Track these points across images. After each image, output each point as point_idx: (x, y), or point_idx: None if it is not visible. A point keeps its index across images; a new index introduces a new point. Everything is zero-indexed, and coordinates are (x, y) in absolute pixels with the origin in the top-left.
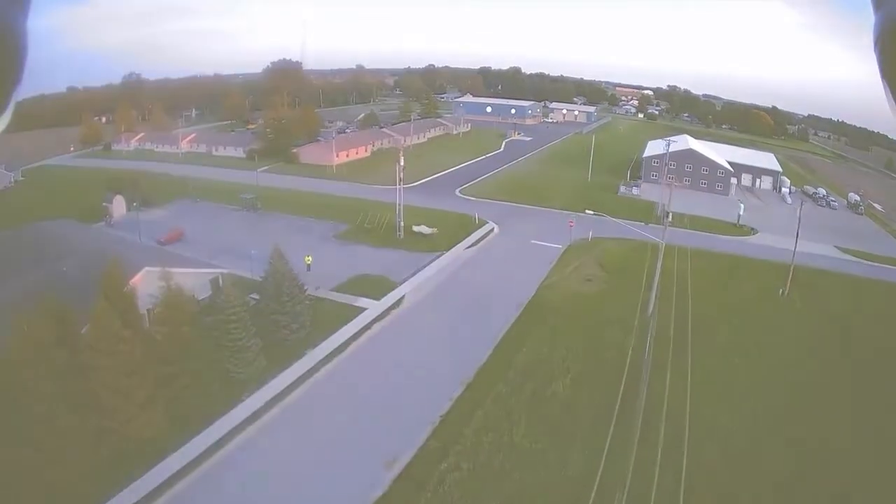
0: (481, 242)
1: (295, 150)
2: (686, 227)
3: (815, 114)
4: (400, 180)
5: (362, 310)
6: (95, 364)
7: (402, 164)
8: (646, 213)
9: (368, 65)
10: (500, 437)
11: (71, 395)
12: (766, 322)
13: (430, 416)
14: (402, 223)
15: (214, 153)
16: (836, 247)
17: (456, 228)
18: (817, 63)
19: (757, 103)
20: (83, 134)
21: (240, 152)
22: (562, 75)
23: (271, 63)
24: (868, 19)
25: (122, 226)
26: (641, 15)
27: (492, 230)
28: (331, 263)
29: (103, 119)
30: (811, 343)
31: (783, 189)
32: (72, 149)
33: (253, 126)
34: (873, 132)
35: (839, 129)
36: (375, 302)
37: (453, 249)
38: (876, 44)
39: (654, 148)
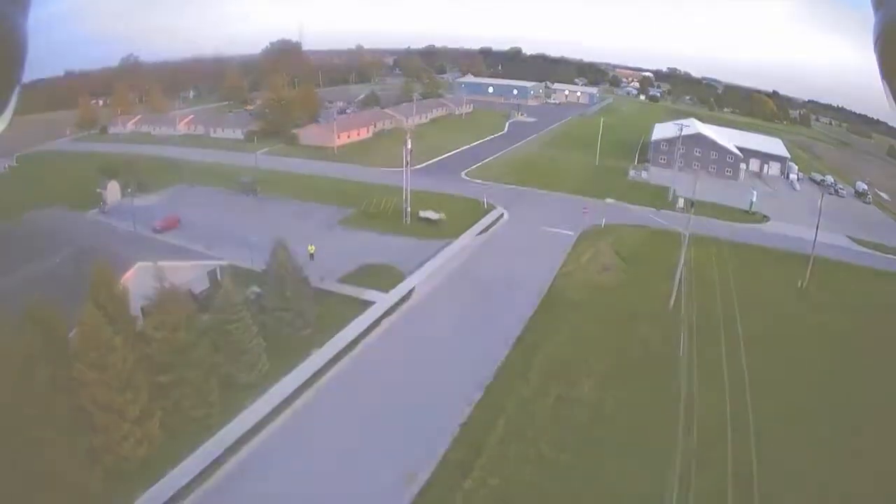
0: (491, 229)
1: (295, 132)
2: (699, 213)
3: (815, 99)
4: (407, 164)
5: (370, 304)
6: (83, 378)
7: (409, 146)
8: (657, 198)
9: (367, 44)
10: (526, 447)
11: (58, 413)
12: (791, 316)
13: (450, 423)
14: (408, 208)
15: (212, 135)
16: (848, 237)
17: (464, 214)
18: (816, 48)
19: (757, 87)
20: (79, 117)
21: (238, 134)
22: (563, 56)
23: (270, 43)
24: (866, 7)
25: (117, 213)
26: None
27: (501, 216)
28: (335, 252)
29: (100, 102)
30: (835, 338)
31: (791, 175)
32: (68, 133)
33: (251, 107)
34: (873, 119)
35: (840, 116)
36: (384, 295)
37: (463, 236)
38: (876, 44)
39: (661, 131)
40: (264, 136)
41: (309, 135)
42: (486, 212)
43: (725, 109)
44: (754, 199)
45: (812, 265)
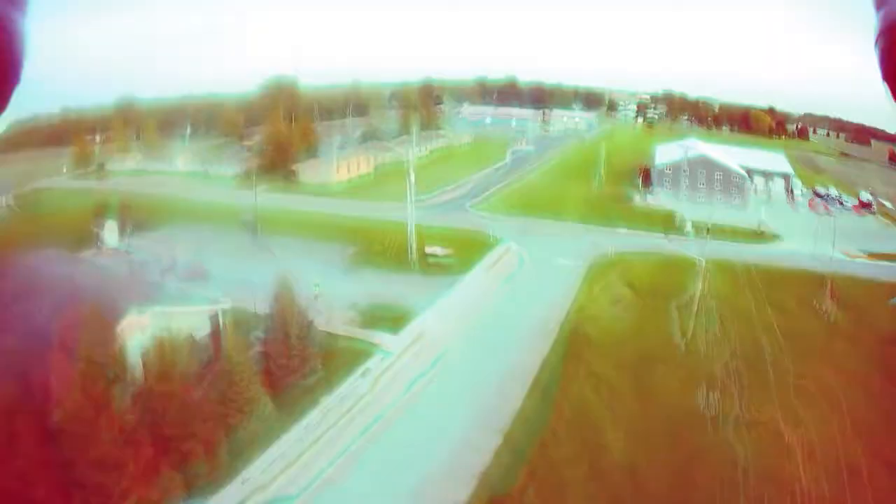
0: (499, 263)
1: (294, 168)
2: (709, 236)
3: (811, 111)
4: (411, 199)
5: (379, 346)
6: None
7: (412, 179)
8: (665, 222)
9: (363, 78)
10: None
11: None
12: (817, 348)
13: (469, 472)
14: (414, 245)
15: (210, 172)
16: (860, 250)
17: (471, 248)
18: (809, 60)
19: (752, 103)
20: (76, 155)
21: (236, 171)
22: (558, 83)
23: (265, 80)
24: (860, 13)
25: (115, 253)
26: (633, 18)
27: (509, 249)
28: (340, 291)
29: (97, 138)
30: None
31: (795, 191)
32: (64, 170)
33: (249, 143)
34: (870, 127)
35: (837, 126)
36: (393, 337)
37: (471, 272)
38: (876, 44)
39: (664, 153)
40: (263, 172)
41: (309, 171)
42: (493, 245)
43: (723, 127)
44: (763, 219)
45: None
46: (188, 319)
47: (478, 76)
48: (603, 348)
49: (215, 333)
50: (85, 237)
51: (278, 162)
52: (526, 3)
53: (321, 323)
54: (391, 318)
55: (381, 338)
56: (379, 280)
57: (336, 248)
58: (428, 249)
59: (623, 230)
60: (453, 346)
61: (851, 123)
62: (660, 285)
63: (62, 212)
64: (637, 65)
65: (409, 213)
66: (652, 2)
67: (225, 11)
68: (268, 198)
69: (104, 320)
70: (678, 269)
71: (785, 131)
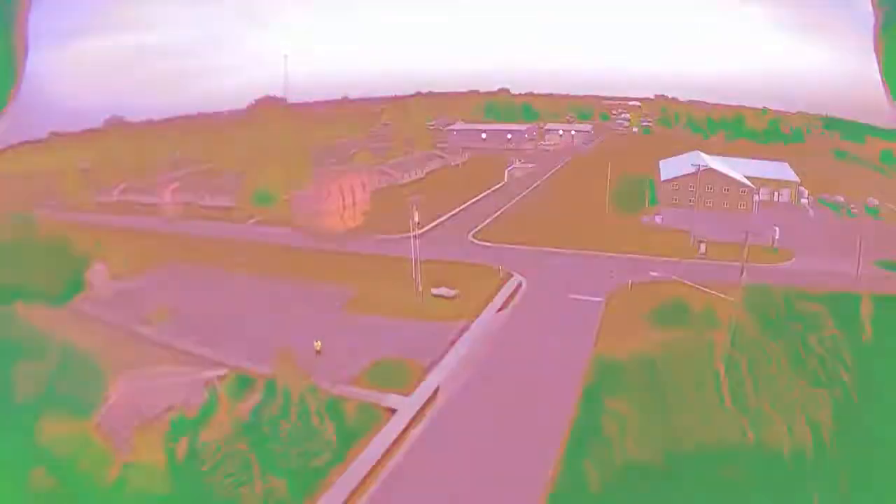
0: (511, 302)
1: (286, 199)
2: (720, 257)
3: (804, 110)
4: (415, 237)
5: (392, 411)
6: None
7: (416, 219)
8: (677, 244)
9: (353, 94)
10: None
11: None
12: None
13: None
14: (420, 287)
15: (200, 202)
16: (875, 263)
17: (480, 285)
18: (797, 58)
19: (745, 104)
20: (63, 185)
21: (227, 201)
22: (551, 93)
23: (255, 100)
24: (844, 11)
25: (104, 301)
26: (621, 21)
27: (520, 285)
28: (343, 344)
29: (86, 165)
30: None
31: (802, 200)
32: (51, 202)
33: (241, 170)
34: (863, 124)
35: (831, 124)
36: (406, 399)
37: (482, 315)
38: (876, 43)
39: (668, 169)
40: (254, 204)
41: (302, 205)
42: (503, 281)
43: (719, 133)
44: (777, 237)
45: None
46: (182, 390)
47: (470, 89)
48: (633, 395)
49: (212, 402)
50: (73, 279)
51: (270, 192)
52: (514, 13)
53: (326, 384)
54: (402, 375)
55: (393, 399)
56: (384, 327)
57: (335, 289)
58: (434, 291)
59: (635, 256)
60: (472, 407)
61: (845, 120)
62: (681, 318)
63: (50, 248)
64: (627, 70)
65: (414, 253)
66: (640, 6)
67: (215, 26)
68: (260, 232)
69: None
70: (699, 300)
71: (781, 133)
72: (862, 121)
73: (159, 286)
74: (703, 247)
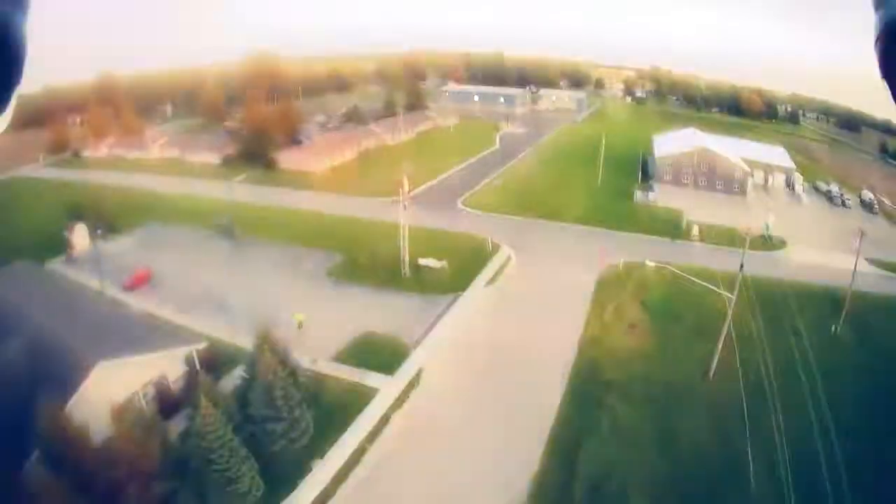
0: (500, 277)
1: (274, 156)
2: (712, 242)
3: (799, 92)
4: (404, 206)
5: (374, 391)
6: None
7: (406, 190)
8: (669, 224)
9: (345, 50)
10: None
11: None
12: (836, 385)
13: None
14: (406, 258)
15: (187, 158)
16: (867, 260)
17: (468, 257)
18: (797, 38)
19: (740, 80)
20: (53, 141)
21: (215, 158)
22: (545, 57)
23: (246, 56)
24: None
25: (84, 262)
26: None
27: (509, 258)
28: (326, 317)
29: (77, 120)
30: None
31: (797, 187)
32: (40, 159)
33: (229, 124)
34: (858, 112)
35: (826, 110)
36: (388, 379)
37: (469, 289)
38: (876, 43)
39: (663, 145)
40: (242, 160)
41: (290, 159)
42: (492, 254)
43: (713, 109)
44: (770, 224)
45: (836, 300)
46: (160, 365)
47: (463, 52)
48: (621, 387)
49: (191, 377)
50: (55, 240)
51: (258, 149)
52: None
53: (307, 362)
54: (385, 353)
55: (375, 379)
56: (369, 299)
57: (320, 256)
58: (421, 262)
59: (628, 234)
60: (456, 391)
61: (839, 107)
62: (673, 302)
63: (34, 208)
64: (622, 39)
65: (402, 224)
66: None
67: None
68: (247, 191)
69: (61, 413)
70: (691, 284)
71: (775, 114)
72: (858, 109)
73: (143, 247)
74: (696, 228)
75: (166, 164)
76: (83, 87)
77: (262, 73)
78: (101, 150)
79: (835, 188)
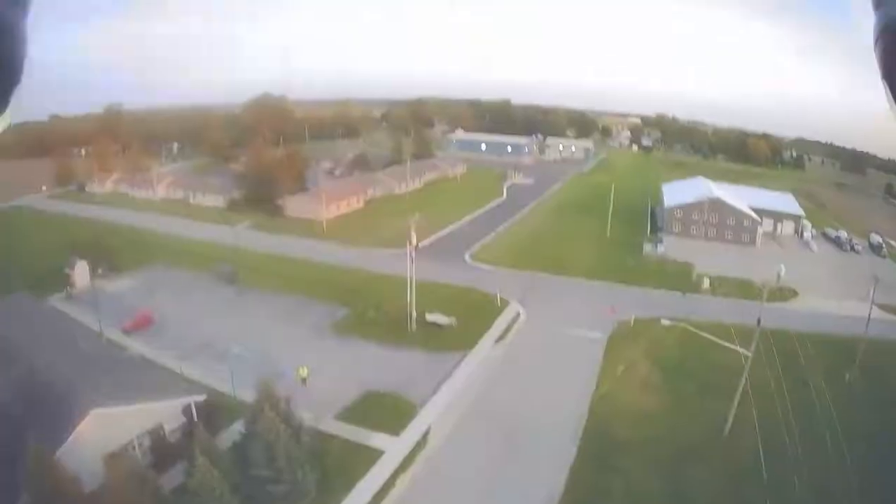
0: (509, 335)
1: (279, 202)
2: (723, 294)
3: (804, 136)
4: (412, 260)
5: (379, 453)
6: None
7: (413, 242)
8: (679, 278)
9: (353, 95)
10: None
11: None
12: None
13: None
14: (413, 313)
15: (192, 200)
16: (877, 305)
17: (476, 313)
18: (801, 83)
19: (745, 127)
20: (58, 172)
21: (219, 200)
22: (552, 105)
23: (254, 97)
24: (853, 35)
25: (84, 300)
26: (625, 35)
27: (517, 315)
28: (331, 373)
29: (82, 152)
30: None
31: (805, 234)
32: (44, 189)
33: (235, 167)
34: (864, 153)
35: (831, 152)
36: (394, 440)
37: (478, 347)
38: (876, 44)
39: (673, 194)
40: (247, 204)
41: (295, 205)
42: (500, 310)
43: (719, 156)
44: (782, 275)
45: (849, 348)
46: (157, 415)
47: (471, 98)
48: (635, 451)
49: (190, 427)
50: (56, 275)
51: (264, 194)
52: (517, 24)
53: (310, 419)
54: (391, 412)
55: (380, 439)
56: (374, 355)
57: (324, 309)
58: (429, 317)
59: (638, 289)
60: (464, 454)
61: (845, 149)
62: (687, 361)
63: (36, 240)
64: (628, 86)
65: (410, 276)
66: (642, 23)
67: (215, 19)
68: (251, 237)
69: (49, 455)
70: (705, 340)
71: (781, 159)
72: (863, 151)
73: (144, 290)
74: (706, 281)
75: (171, 205)
76: (90, 120)
77: (270, 116)
78: (106, 186)
79: (843, 233)
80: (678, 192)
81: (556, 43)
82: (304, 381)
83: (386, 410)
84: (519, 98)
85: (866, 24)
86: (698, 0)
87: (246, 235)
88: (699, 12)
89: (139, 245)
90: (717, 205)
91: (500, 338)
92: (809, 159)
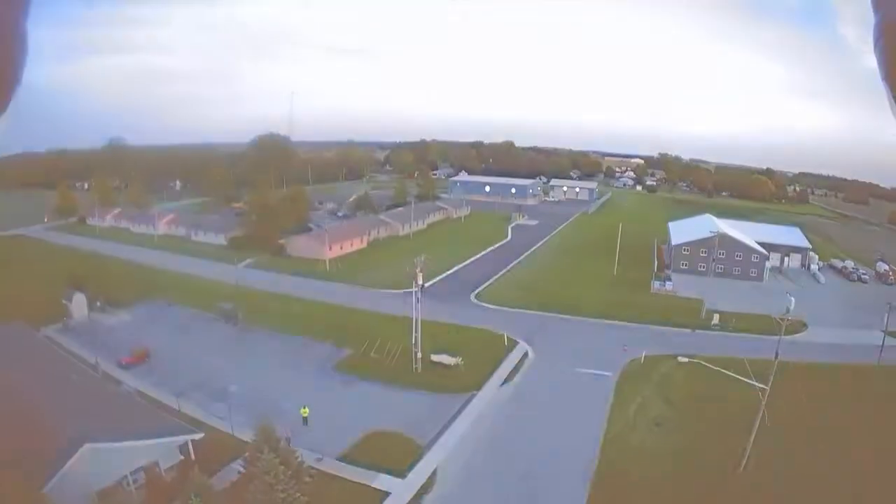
0: (517, 376)
1: (282, 242)
2: (733, 330)
3: (806, 171)
4: (418, 300)
5: (384, 495)
6: None
7: (419, 280)
8: (688, 313)
9: (357, 136)
10: None
11: None
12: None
13: None
14: (419, 354)
15: (193, 238)
16: (884, 332)
17: (483, 354)
18: (801, 118)
19: (747, 163)
20: (59, 204)
21: (221, 239)
22: (555, 147)
23: (258, 137)
24: (854, 72)
25: (81, 332)
26: (627, 77)
27: (525, 355)
28: (334, 413)
29: (85, 185)
30: None
31: (812, 266)
32: (46, 220)
33: (238, 205)
34: (866, 183)
35: (834, 185)
36: (399, 482)
37: (485, 388)
38: (876, 44)
39: (679, 232)
40: (249, 243)
41: (298, 245)
42: (508, 351)
43: (723, 193)
44: (791, 308)
45: (869, 378)
46: (152, 451)
47: (475, 140)
48: (645, 489)
49: (185, 464)
50: (53, 305)
51: (265, 233)
52: (519, 66)
53: (311, 459)
54: (395, 454)
55: (385, 481)
56: (379, 396)
57: (327, 349)
58: (434, 358)
59: (648, 326)
60: (472, 498)
61: (847, 181)
62: (698, 397)
63: (35, 269)
64: (630, 127)
65: (415, 318)
66: (642, 63)
67: (221, 59)
68: (252, 275)
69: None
70: (715, 375)
71: (785, 194)
72: (861, 180)
73: (143, 324)
74: (716, 317)
75: (172, 242)
76: (94, 154)
77: (274, 156)
78: (107, 220)
79: (850, 263)
80: (685, 230)
81: (560, 85)
82: (305, 421)
83: (391, 451)
84: (522, 140)
85: (866, 59)
86: (698, 39)
87: (247, 274)
88: (699, 50)
89: (139, 280)
90: (724, 241)
91: (508, 378)
92: (813, 192)
